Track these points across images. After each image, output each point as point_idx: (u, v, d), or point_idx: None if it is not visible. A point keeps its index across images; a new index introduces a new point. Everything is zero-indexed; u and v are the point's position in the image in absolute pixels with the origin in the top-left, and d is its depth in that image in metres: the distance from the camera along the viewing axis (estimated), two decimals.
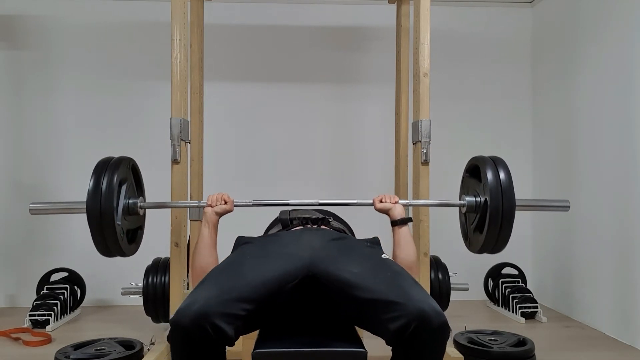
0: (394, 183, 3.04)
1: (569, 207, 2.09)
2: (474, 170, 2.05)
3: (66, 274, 3.42)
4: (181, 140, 2.27)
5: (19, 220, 3.67)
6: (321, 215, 1.91)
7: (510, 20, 3.94)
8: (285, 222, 1.88)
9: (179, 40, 2.28)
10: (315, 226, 1.82)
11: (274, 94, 3.84)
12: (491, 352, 2.33)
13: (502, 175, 1.87)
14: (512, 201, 1.84)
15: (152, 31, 3.62)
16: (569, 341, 2.90)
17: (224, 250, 1.85)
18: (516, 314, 3.26)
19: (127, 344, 2.42)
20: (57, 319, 3.12)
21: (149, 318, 2.86)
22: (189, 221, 2.59)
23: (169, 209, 2.32)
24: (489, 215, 1.86)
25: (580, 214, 3.26)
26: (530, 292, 3.40)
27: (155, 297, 2.75)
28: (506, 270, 3.60)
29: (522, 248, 3.88)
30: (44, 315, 3.06)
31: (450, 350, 2.23)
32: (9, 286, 3.67)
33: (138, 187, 2.08)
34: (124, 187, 1.92)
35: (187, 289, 2.65)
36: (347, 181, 3.79)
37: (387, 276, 1.46)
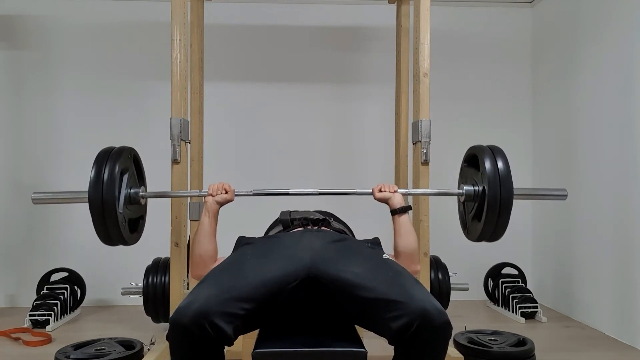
0: (394, 183, 3.04)
1: (566, 196, 2.12)
2: (472, 160, 2.07)
3: (66, 274, 3.42)
4: (181, 140, 2.27)
5: (19, 220, 3.67)
6: (321, 216, 1.91)
7: (510, 20, 3.94)
8: (285, 223, 1.88)
9: (179, 40, 2.28)
10: (316, 227, 1.82)
11: (274, 94, 3.84)
12: (491, 352, 2.33)
13: (500, 163, 1.89)
14: (510, 189, 1.86)
15: (152, 31, 3.62)
16: (569, 341, 2.90)
17: (224, 249, 1.86)
18: (516, 314, 3.26)
19: (127, 344, 2.42)
20: (57, 319, 3.12)
21: (149, 318, 2.86)
22: (189, 221, 2.59)
23: (169, 209, 2.32)
24: (487, 204, 1.88)
25: (580, 214, 3.26)
26: (530, 292, 3.40)
27: (155, 297, 2.75)
28: (506, 270, 3.61)
29: (522, 248, 3.88)
30: (44, 315, 3.06)
31: (450, 350, 2.23)
32: (9, 286, 3.67)
33: (139, 177, 2.10)
34: (125, 177, 1.94)
35: (187, 289, 2.65)
36: (348, 181, 3.79)
37: (388, 276, 1.46)
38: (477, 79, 3.90)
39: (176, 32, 2.28)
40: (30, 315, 3.08)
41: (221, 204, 1.92)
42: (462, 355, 2.19)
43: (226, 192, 1.93)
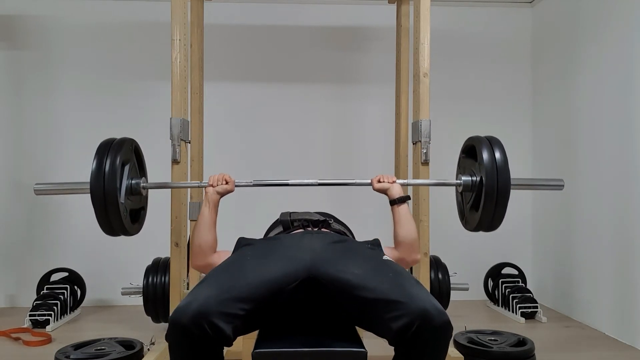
0: None
1: (563, 186, 2.13)
2: (470, 151, 2.08)
3: (66, 274, 3.42)
4: (181, 140, 2.28)
5: (19, 220, 3.68)
6: (321, 218, 1.92)
7: (510, 20, 3.94)
8: (286, 224, 1.89)
9: (179, 40, 2.28)
10: (316, 229, 1.83)
11: (274, 94, 3.84)
12: (491, 352, 2.33)
13: (497, 154, 1.91)
14: (507, 179, 1.88)
15: (152, 31, 3.62)
16: (569, 341, 2.90)
17: (224, 246, 1.86)
18: (516, 314, 3.26)
19: (127, 344, 2.42)
20: (57, 319, 3.12)
21: (149, 318, 2.86)
22: (189, 221, 2.59)
23: (169, 209, 2.32)
24: (485, 193, 1.89)
25: (580, 214, 3.26)
26: (530, 292, 3.40)
27: (155, 297, 2.75)
28: (506, 270, 3.61)
29: (522, 248, 3.89)
30: (44, 315, 3.06)
31: (450, 350, 2.22)
32: (9, 286, 3.67)
33: (140, 168, 2.11)
34: (126, 168, 1.95)
35: (187, 289, 2.65)
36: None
37: (388, 276, 1.46)
38: (477, 79, 3.90)
39: (176, 32, 2.28)
40: (30, 315, 3.08)
41: (222, 194, 1.93)
42: (462, 355, 2.19)
43: (227, 183, 1.95)
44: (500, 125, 3.87)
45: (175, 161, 2.27)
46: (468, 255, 3.73)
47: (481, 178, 1.93)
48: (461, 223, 2.19)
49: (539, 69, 3.85)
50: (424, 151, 2.33)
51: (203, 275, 2.51)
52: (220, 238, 1.89)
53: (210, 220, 1.86)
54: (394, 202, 1.92)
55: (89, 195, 1.83)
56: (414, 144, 2.41)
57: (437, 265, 2.90)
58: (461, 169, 2.14)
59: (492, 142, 1.95)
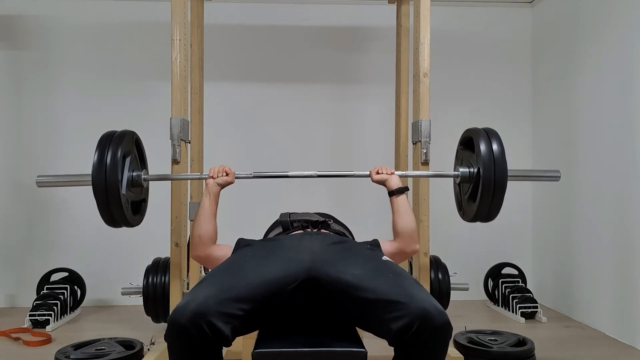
0: None
1: (559, 177, 2.17)
2: (467, 142, 2.10)
3: (66, 274, 3.42)
4: (181, 140, 2.28)
5: (19, 220, 3.68)
6: (321, 219, 1.92)
7: (510, 20, 3.94)
8: (285, 225, 1.89)
9: (179, 40, 2.28)
10: (315, 230, 1.83)
11: (274, 94, 3.84)
12: (491, 352, 2.33)
13: (494, 145, 1.93)
14: (504, 170, 1.90)
15: (152, 31, 3.62)
16: (569, 341, 2.90)
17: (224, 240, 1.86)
18: (516, 314, 3.26)
19: (127, 344, 2.42)
20: (57, 319, 3.12)
21: (149, 318, 2.86)
22: (189, 221, 2.59)
23: (169, 210, 2.32)
24: (482, 184, 1.92)
25: (580, 214, 3.26)
26: (530, 292, 3.40)
27: (155, 297, 2.75)
28: (506, 270, 3.61)
29: (522, 248, 3.89)
30: (44, 315, 3.06)
31: (450, 350, 2.22)
32: (9, 286, 3.67)
33: (141, 160, 2.13)
34: (127, 160, 1.97)
35: (187, 289, 2.65)
36: (347, 180, 3.78)
37: (388, 277, 1.46)
38: (477, 79, 3.90)
39: (176, 32, 2.28)
40: (30, 315, 3.08)
41: (222, 185, 1.96)
42: (462, 355, 2.19)
43: (227, 175, 1.97)
44: (500, 125, 3.81)
45: (175, 161, 2.27)
46: (468, 255, 3.73)
47: (478, 169, 1.95)
48: (459, 214, 2.22)
49: (539, 69, 3.85)
50: (424, 151, 2.33)
51: (203, 275, 2.52)
52: (220, 237, 1.89)
53: (211, 211, 1.88)
54: (392, 193, 1.95)
55: (91, 188, 1.85)
56: (414, 144, 2.41)
57: (437, 265, 2.89)
58: (459, 161, 2.17)
59: (490, 134, 1.98)
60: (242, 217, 3.45)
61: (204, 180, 2.05)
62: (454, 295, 2.87)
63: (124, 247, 3.64)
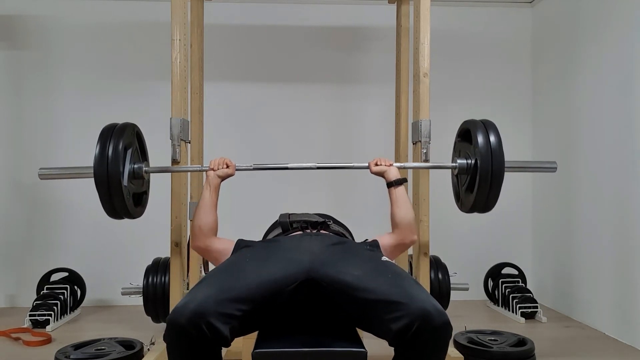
0: None
1: (555, 168, 2.21)
2: (465, 134, 2.11)
3: (66, 274, 3.42)
4: (181, 140, 2.28)
5: (19, 220, 3.68)
6: (321, 219, 1.92)
7: (510, 20, 3.94)
8: (285, 226, 1.89)
9: (179, 40, 2.28)
10: (315, 230, 1.83)
11: (274, 94, 3.84)
12: (491, 352, 2.33)
13: (492, 137, 1.95)
14: (501, 161, 1.92)
15: (152, 31, 3.62)
16: (569, 341, 2.90)
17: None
18: (516, 314, 3.26)
19: (127, 344, 2.42)
20: (57, 319, 3.12)
21: (149, 318, 2.86)
22: (189, 221, 2.58)
23: (169, 209, 2.32)
24: (479, 176, 1.93)
25: (580, 214, 3.26)
26: (530, 292, 3.40)
27: (155, 297, 2.75)
28: (506, 270, 3.61)
29: (522, 248, 3.89)
30: (44, 315, 3.07)
31: (450, 350, 2.22)
32: (9, 286, 3.67)
33: (142, 153, 2.15)
34: (129, 152, 1.98)
35: (187, 289, 2.64)
36: (347, 180, 3.79)
37: (388, 277, 1.46)
38: (477, 79, 3.90)
39: (176, 32, 2.28)
40: (30, 315, 3.08)
41: (222, 177, 1.97)
42: (462, 355, 2.19)
43: (227, 167, 1.98)
44: (500, 125, 3.81)
45: (175, 161, 2.27)
46: (468, 255, 3.73)
47: (476, 160, 1.97)
48: (457, 205, 2.24)
49: (539, 69, 3.85)
50: (424, 151, 2.33)
51: (203, 275, 2.52)
52: (220, 232, 1.90)
53: (211, 203, 1.89)
54: (391, 185, 1.96)
55: (91, 186, 1.87)
56: (414, 144, 2.41)
57: (437, 265, 2.90)
58: (456, 152, 2.19)
59: (487, 126, 2.00)
60: (241, 215, 3.44)
61: (204, 173, 2.06)
62: (454, 295, 2.87)
63: (124, 247, 3.65)
